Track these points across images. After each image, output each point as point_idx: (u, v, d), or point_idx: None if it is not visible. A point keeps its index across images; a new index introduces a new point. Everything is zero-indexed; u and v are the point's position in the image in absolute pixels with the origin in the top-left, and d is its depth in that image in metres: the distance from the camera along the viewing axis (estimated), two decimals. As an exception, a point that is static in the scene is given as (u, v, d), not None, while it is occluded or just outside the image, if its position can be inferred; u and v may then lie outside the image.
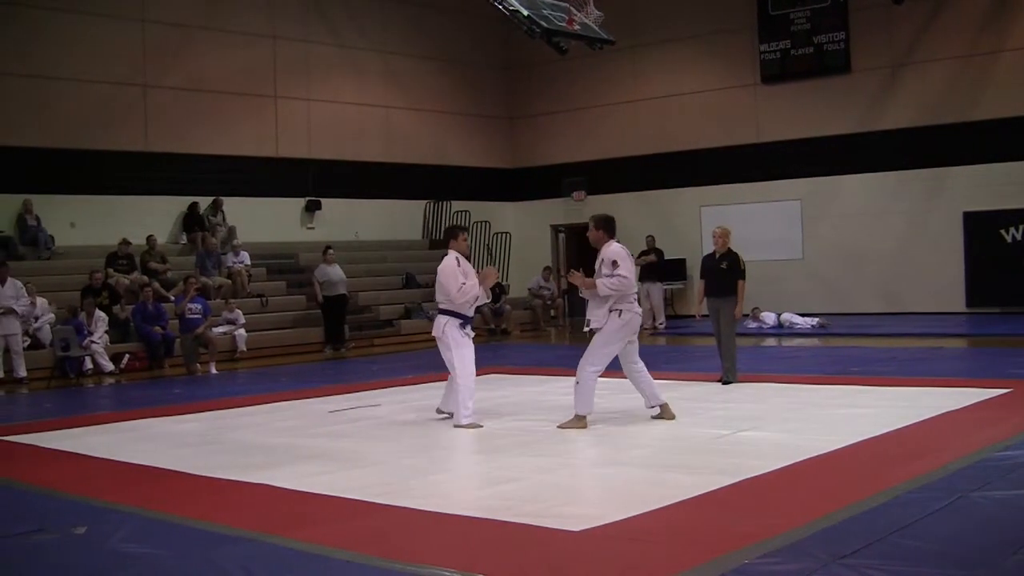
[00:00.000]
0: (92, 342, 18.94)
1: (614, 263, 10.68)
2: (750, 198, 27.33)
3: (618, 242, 11.12)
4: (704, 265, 14.77)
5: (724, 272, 14.07)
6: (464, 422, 10.97)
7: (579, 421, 10.67)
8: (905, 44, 25.43)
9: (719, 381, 13.94)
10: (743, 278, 14.25)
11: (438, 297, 11.60)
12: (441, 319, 11.40)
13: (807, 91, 26.69)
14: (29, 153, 21.87)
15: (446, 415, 11.56)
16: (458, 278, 11.32)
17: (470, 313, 11.49)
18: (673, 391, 13.20)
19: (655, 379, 11.18)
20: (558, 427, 10.69)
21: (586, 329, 10.95)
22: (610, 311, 10.67)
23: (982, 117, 24.38)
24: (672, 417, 10.89)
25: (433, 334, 11.53)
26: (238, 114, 25.31)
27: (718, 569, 5.75)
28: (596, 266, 10.88)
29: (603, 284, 10.63)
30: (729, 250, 14.36)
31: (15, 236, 21.37)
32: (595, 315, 10.79)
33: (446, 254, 11.69)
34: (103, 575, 6.27)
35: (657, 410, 10.98)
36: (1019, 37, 24.13)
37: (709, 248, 15.31)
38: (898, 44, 25.52)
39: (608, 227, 11.15)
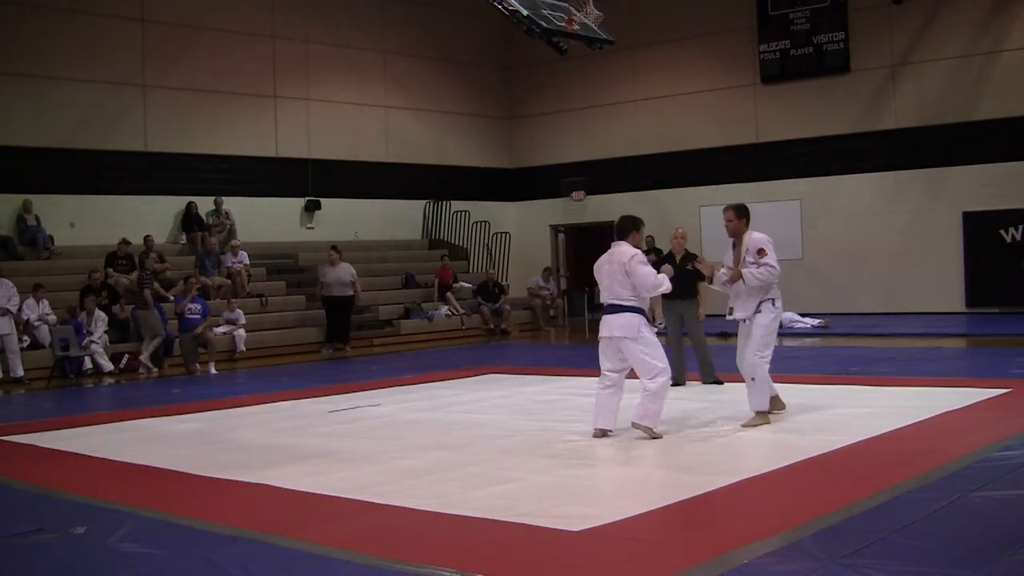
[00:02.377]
0: (92, 342, 18.95)
1: (760, 251, 10.39)
2: (750, 198, 26.87)
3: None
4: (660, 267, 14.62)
5: (688, 274, 14.00)
6: (648, 426, 10.03)
7: (762, 418, 10.51)
8: (904, 44, 25.46)
9: (703, 383, 13.90)
10: (703, 279, 14.31)
11: (617, 292, 10.09)
12: (633, 317, 9.98)
13: (807, 91, 26.71)
14: (29, 153, 21.88)
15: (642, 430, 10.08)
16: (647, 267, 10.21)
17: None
18: (672, 391, 13.22)
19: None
20: (742, 426, 10.47)
21: (729, 317, 10.77)
22: (762, 301, 10.50)
23: (981, 117, 24.41)
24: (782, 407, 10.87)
25: (621, 335, 9.99)
26: (237, 114, 25.32)
27: (718, 569, 5.75)
28: (739, 256, 10.57)
29: (752, 275, 10.37)
30: (687, 252, 14.34)
31: (14, 236, 21.37)
32: (742, 305, 10.61)
33: (618, 245, 10.33)
34: (102, 575, 6.26)
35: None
36: (1018, 38, 24.15)
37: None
38: (897, 44, 25.54)
39: (748, 215, 10.83)
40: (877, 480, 7.78)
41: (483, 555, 6.29)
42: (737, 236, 10.73)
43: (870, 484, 7.64)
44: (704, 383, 13.88)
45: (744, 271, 10.44)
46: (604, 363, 10.30)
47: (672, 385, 13.08)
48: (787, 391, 12.94)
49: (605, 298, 10.19)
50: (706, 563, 5.85)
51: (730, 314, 10.73)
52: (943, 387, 12.87)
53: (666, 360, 10.07)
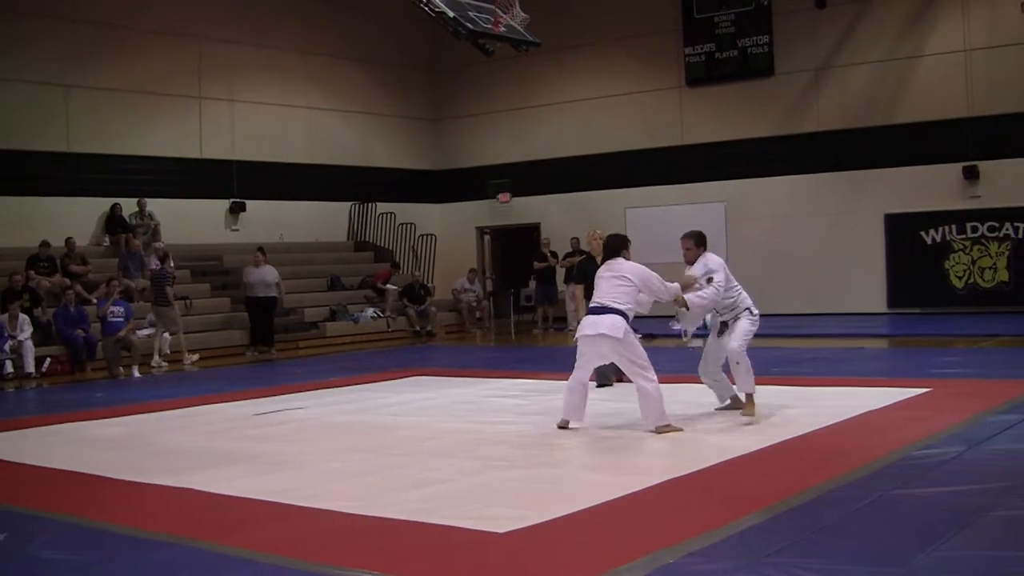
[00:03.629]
0: (20, 342, 18.73)
1: (709, 279, 10.89)
2: (675, 200, 27.49)
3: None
4: (584, 269, 14.61)
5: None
6: (664, 421, 10.21)
7: (751, 401, 10.87)
8: (828, 48, 25.74)
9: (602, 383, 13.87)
10: None
11: (616, 298, 10.41)
12: (619, 319, 10.28)
13: (731, 94, 26.92)
14: (-53, 154, 21.56)
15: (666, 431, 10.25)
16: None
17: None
18: (597, 393, 13.27)
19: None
20: (742, 414, 10.84)
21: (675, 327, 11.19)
22: (740, 312, 11.11)
23: (903, 120, 24.74)
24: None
25: (606, 334, 10.21)
26: (161, 115, 25.05)
27: (643, 569, 5.77)
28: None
29: (697, 298, 10.88)
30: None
31: (-67, 238, 21.07)
32: (690, 319, 11.09)
33: (619, 260, 10.78)
34: (23, 581, 6.20)
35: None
36: (938, 43, 24.50)
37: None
38: (821, 48, 25.82)
39: (705, 242, 11.35)
40: (800, 479, 7.85)
41: (409, 557, 6.28)
42: (692, 263, 11.12)
43: (793, 483, 7.71)
44: (602, 384, 13.79)
45: (689, 296, 10.72)
46: (583, 361, 10.56)
47: (599, 386, 13.20)
48: (711, 392, 13.04)
49: (599, 301, 10.46)
50: (631, 563, 5.87)
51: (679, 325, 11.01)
52: (864, 387, 13.03)
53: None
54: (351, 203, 29.22)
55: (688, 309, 10.72)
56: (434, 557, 6.30)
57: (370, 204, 29.24)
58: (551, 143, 29.46)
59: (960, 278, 24.15)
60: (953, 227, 24.15)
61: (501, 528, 6.69)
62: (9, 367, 18.69)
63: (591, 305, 10.58)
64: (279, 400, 14.16)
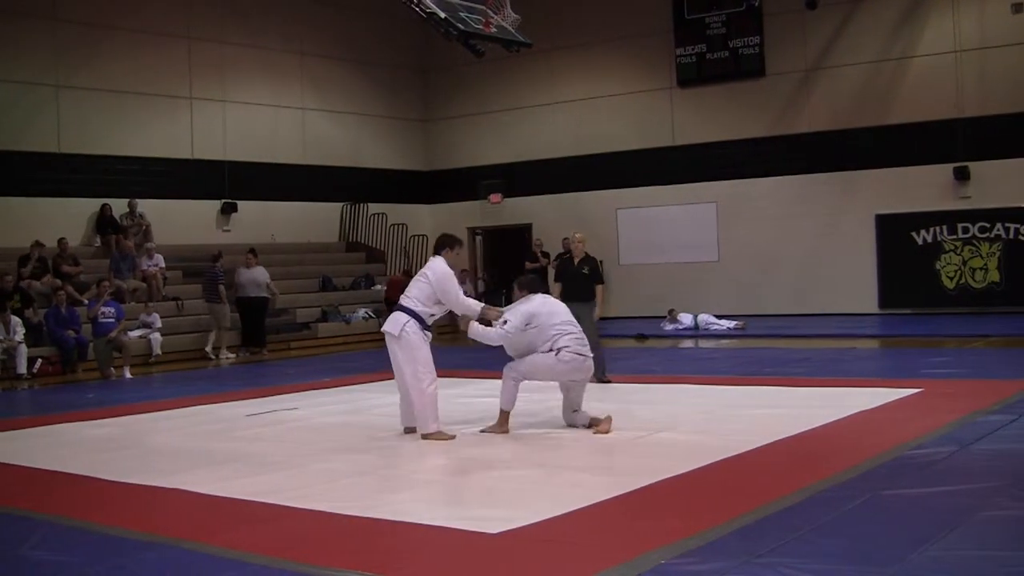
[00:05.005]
0: (19, 342, 18.76)
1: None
2: (666, 201, 27.52)
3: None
4: (563, 270, 14.81)
5: (585, 277, 14.18)
6: (432, 428, 10.26)
7: (504, 419, 10.65)
8: (818, 49, 25.77)
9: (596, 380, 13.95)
10: (602, 282, 14.60)
11: (413, 295, 10.53)
12: (400, 316, 10.38)
13: (722, 95, 26.94)
14: (-63, 154, 21.52)
15: (413, 429, 10.53)
16: (457, 284, 10.73)
17: (431, 322, 10.67)
18: (590, 391, 13.26)
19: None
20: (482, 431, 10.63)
21: None
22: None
23: (893, 121, 24.77)
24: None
25: (386, 330, 10.45)
26: (152, 115, 25.01)
27: (635, 570, 5.77)
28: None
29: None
30: (587, 255, 14.53)
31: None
32: None
33: (434, 258, 10.81)
34: (14, 583, 6.18)
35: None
36: (929, 43, 24.54)
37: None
38: (812, 49, 25.85)
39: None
40: (792, 479, 7.87)
41: (400, 558, 6.28)
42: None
43: (785, 483, 7.72)
44: (596, 380, 13.88)
45: (475, 326, 10.64)
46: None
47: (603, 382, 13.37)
48: (703, 392, 13.07)
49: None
50: (623, 564, 5.88)
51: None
52: (856, 387, 13.05)
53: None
54: (343, 204, 29.21)
55: (465, 329, 10.62)
56: (424, 558, 6.29)
57: (362, 205, 29.22)
58: (543, 144, 29.45)
59: (951, 279, 24.18)
60: (944, 228, 24.17)
61: (493, 529, 6.69)
62: (-3, 369, 18.68)
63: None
64: (271, 401, 14.16)
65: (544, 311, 10.61)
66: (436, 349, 10.60)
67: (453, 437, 10.20)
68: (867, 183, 25.10)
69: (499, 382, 10.64)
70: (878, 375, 15.18)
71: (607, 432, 10.26)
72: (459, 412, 11.64)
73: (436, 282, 10.40)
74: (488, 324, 10.65)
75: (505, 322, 10.48)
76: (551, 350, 10.41)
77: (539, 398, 11.83)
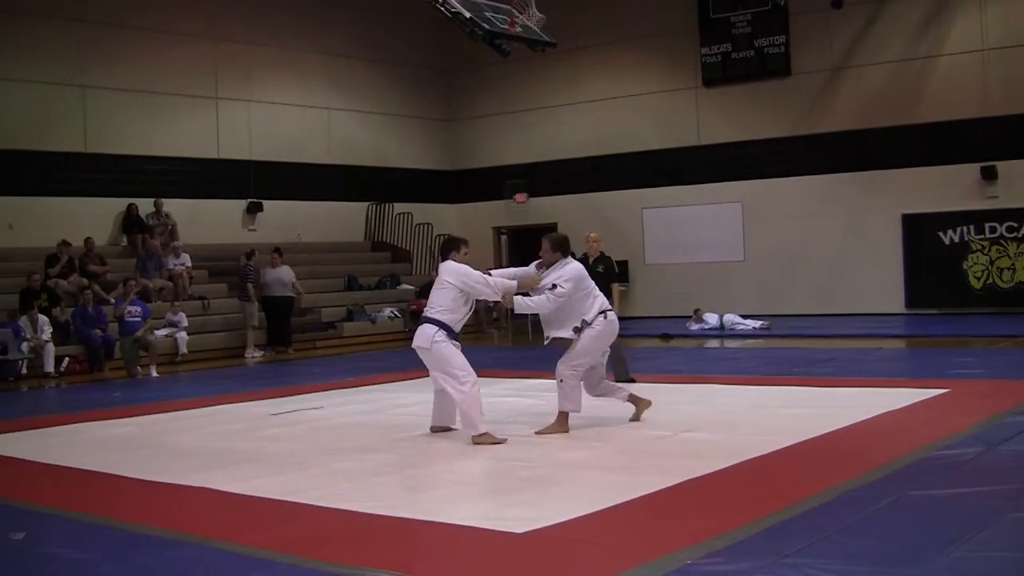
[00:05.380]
0: (45, 341, 18.87)
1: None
2: (692, 200, 27.49)
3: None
4: None
5: (600, 276, 14.10)
6: (481, 429, 10.06)
7: (563, 421, 10.60)
8: (844, 48, 25.68)
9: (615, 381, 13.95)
10: (618, 280, 14.50)
11: (437, 304, 10.34)
12: (429, 328, 10.22)
13: (748, 94, 26.88)
14: (-34, 155, 21.62)
15: (442, 429, 10.71)
16: (478, 271, 10.57)
17: (458, 328, 10.49)
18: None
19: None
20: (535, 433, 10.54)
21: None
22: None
23: (920, 120, 24.67)
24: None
25: (418, 345, 10.27)
26: (178, 115, 25.11)
27: (661, 570, 5.76)
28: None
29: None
30: (602, 254, 14.47)
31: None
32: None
33: (444, 263, 10.60)
34: (40, 580, 6.20)
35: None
36: (955, 42, 24.43)
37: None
38: (837, 48, 25.76)
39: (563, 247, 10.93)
40: (819, 479, 7.83)
41: (425, 557, 6.28)
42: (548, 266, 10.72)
43: (812, 483, 7.69)
44: (617, 382, 13.89)
45: (520, 299, 10.51)
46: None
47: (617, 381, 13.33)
48: (729, 392, 13.02)
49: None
50: (649, 563, 5.86)
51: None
52: (883, 387, 12.98)
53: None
54: (368, 203, 29.26)
55: (510, 306, 10.47)
56: (449, 557, 6.29)
57: (387, 204, 29.26)
58: (568, 143, 29.45)
59: (978, 278, 24.07)
60: (971, 227, 24.07)
61: (518, 528, 6.68)
62: (24, 368, 18.72)
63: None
64: (296, 400, 14.18)
65: (583, 272, 10.61)
66: (466, 349, 10.55)
67: (504, 441, 10.02)
68: (893, 183, 25.00)
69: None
70: (904, 375, 15.09)
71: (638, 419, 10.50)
72: (488, 413, 11.61)
73: (459, 281, 10.27)
74: (525, 294, 10.55)
75: (554, 287, 10.39)
76: (596, 317, 10.40)
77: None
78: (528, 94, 30.15)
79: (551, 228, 29.07)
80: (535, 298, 10.47)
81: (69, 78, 23.19)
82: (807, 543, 6.09)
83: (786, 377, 14.77)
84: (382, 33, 29.55)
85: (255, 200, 26.43)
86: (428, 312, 10.34)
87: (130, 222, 23.67)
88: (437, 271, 10.67)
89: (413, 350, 10.40)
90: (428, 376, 10.57)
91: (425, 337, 10.17)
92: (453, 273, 10.34)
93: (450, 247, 10.70)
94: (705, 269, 27.19)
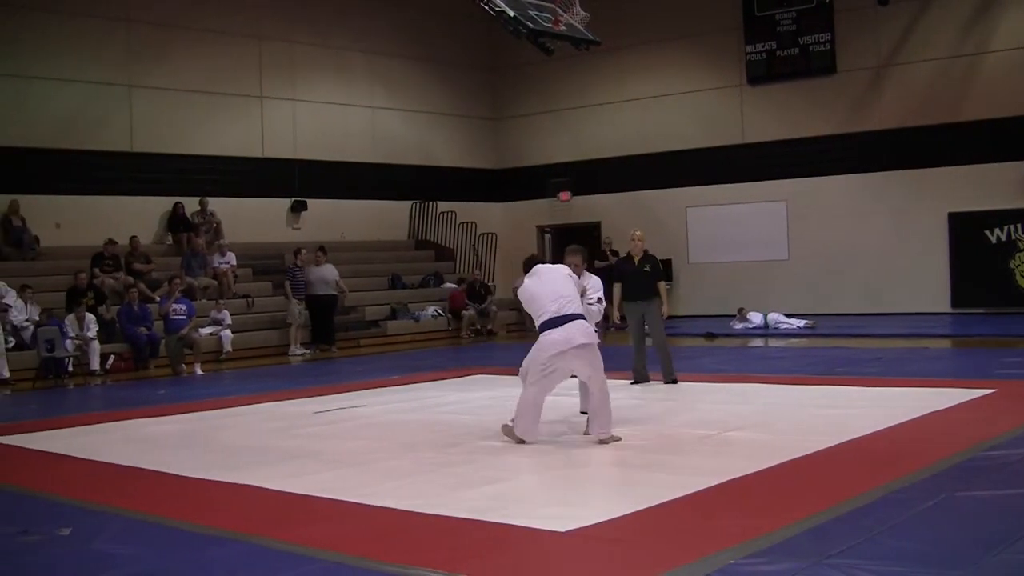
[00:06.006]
0: (91, 339, 19.04)
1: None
2: (736, 199, 27.39)
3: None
4: (623, 269, 14.62)
5: (647, 275, 14.08)
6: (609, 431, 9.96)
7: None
8: (890, 45, 25.51)
9: (664, 382, 13.92)
10: (664, 279, 14.45)
11: (572, 297, 10.12)
12: (584, 324, 9.99)
13: (793, 92, 26.74)
14: (14, 153, 21.75)
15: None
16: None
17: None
18: (657, 392, 13.27)
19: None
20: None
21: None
22: None
23: (967, 118, 24.46)
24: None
25: (585, 342, 9.85)
26: (223, 114, 25.26)
27: (704, 569, 5.75)
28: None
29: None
30: (646, 253, 14.39)
31: (0, 237, 21.31)
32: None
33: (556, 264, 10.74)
34: (88, 576, 6.25)
35: None
36: (1003, 38, 24.22)
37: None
38: (883, 45, 25.59)
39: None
40: (863, 480, 7.79)
41: (468, 555, 6.28)
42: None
43: (856, 484, 7.65)
44: (664, 382, 13.90)
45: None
46: (557, 376, 10.14)
47: (633, 383, 13.34)
48: (773, 391, 12.98)
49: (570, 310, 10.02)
50: (691, 563, 5.86)
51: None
52: (928, 387, 12.89)
53: None
54: (412, 202, 29.32)
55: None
56: (493, 555, 6.30)
57: (431, 203, 29.32)
58: (611, 142, 29.41)
59: (1025, 277, 23.90)
60: (1018, 226, 23.84)
61: (561, 527, 6.68)
62: (70, 365, 18.86)
63: (560, 315, 9.91)
64: (340, 398, 14.24)
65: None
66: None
67: (618, 439, 9.90)
68: (939, 181, 24.82)
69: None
70: (950, 375, 14.98)
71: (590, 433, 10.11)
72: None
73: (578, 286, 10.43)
74: None
75: (599, 300, 10.44)
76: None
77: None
78: (572, 93, 30.12)
79: (595, 226, 29.14)
80: (591, 309, 10.71)
81: (115, 78, 23.38)
82: (851, 544, 6.06)
83: (830, 377, 14.70)
84: (426, 32, 29.60)
85: (299, 199, 26.54)
86: (571, 307, 10.01)
87: (176, 221, 23.83)
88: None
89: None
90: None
91: (589, 333, 9.99)
92: (553, 270, 10.54)
93: (530, 264, 10.75)
94: (749, 268, 27.08)
